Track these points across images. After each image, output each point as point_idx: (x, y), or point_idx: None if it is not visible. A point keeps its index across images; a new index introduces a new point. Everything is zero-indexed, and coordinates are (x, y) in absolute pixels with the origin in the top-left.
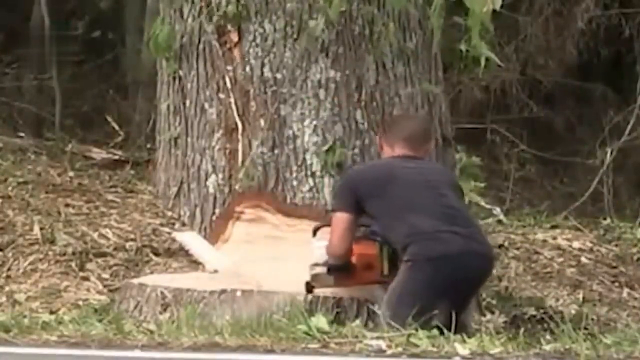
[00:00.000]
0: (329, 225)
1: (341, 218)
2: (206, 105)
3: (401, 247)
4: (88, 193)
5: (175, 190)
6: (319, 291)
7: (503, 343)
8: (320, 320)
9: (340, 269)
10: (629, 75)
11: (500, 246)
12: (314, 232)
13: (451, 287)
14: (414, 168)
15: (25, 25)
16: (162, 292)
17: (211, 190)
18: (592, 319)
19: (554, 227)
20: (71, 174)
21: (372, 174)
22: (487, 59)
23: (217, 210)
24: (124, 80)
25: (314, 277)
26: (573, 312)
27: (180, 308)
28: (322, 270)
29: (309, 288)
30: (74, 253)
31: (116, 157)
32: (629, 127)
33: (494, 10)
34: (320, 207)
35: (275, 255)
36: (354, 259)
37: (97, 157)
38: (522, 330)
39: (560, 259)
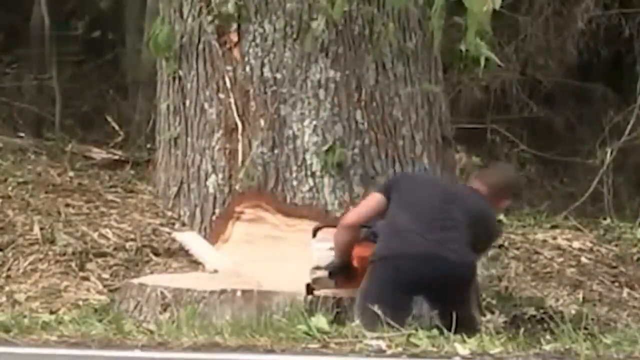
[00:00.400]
0: (329, 226)
1: (375, 196)
2: (206, 105)
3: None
4: (88, 193)
5: (175, 190)
6: (319, 291)
7: (503, 343)
8: (320, 320)
9: (341, 271)
10: (629, 75)
11: (500, 246)
12: (314, 233)
13: (420, 287)
14: (451, 190)
15: (25, 25)
16: (162, 292)
17: (211, 190)
18: (592, 319)
19: (554, 227)
20: (71, 174)
21: (415, 175)
22: (487, 59)
23: (217, 210)
24: (124, 80)
25: (315, 280)
26: (573, 312)
27: (180, 308)
28: (323, 274)
29: (310, 290)
30: (74, 253)
31: (116, 157)
32: (629, 127)
33: (495, 10)
34: (320, 207)
35: (275, 255)
36: (354, 262)
37: (97, 157)
38: (522, 330)
39: (560, 259)
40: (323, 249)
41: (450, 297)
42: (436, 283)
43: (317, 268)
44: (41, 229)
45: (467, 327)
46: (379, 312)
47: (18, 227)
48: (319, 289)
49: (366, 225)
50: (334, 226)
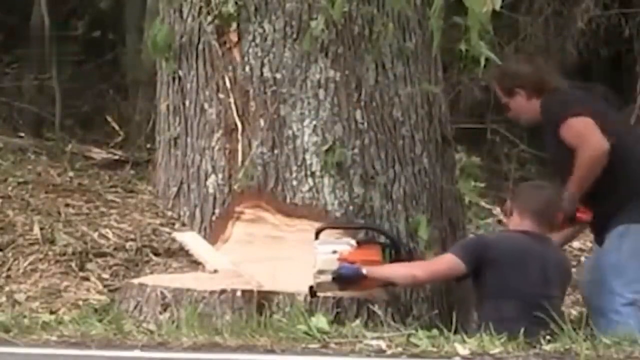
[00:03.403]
0: (331, 227)
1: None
2: (206, 106)
3: None
4: (88, 193)
5: (175, 190)
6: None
7: (503, 343)
8: (320, 320)
9: (346, 278)
10: (629, 75)
11: None
12: (317, 234)
13: None
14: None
15: (25, 25)
16: (162, 292)
17: (211, 190)
18: None
19: None
20: (71, 174)
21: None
22: (487, 59)
23: (217, 210)
24: (124, 80)
25: (319, 285)
26: (573, 312)
27: (180, 308)
28: (327, 278)
29: (313, 293)
30: (74, 253)
31: (116, 157)
32: None
33: (494, 10)
34: (320, 207)
35: (275, 255)
36: (360, 266)
37: (97, 157)
38: (522, 330)
39: None
40: (326, 253)
41: None
42: None
43: (321, 272)
44: (41, 229)
45: None
46: None
47: (18, 227)
48: (323, 292)
49: (368, 227)
50: (337, 227)
